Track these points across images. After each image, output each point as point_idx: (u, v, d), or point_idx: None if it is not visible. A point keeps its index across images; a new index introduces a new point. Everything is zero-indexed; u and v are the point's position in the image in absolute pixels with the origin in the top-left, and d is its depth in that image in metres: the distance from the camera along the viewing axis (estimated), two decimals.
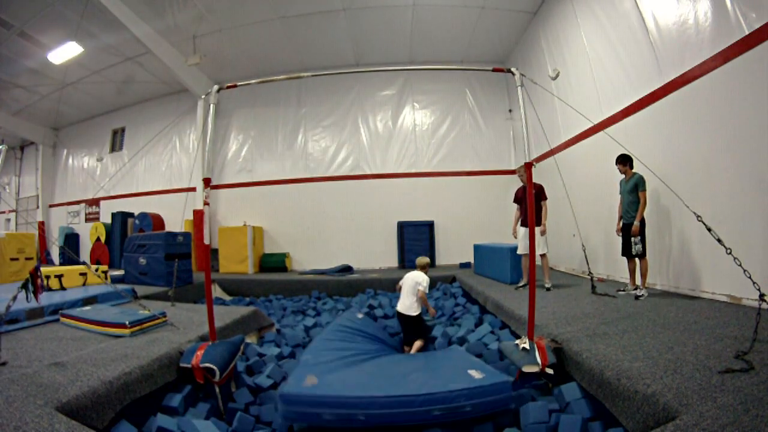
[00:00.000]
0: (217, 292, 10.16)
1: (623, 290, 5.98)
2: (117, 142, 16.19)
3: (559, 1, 8.96)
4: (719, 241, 3.23)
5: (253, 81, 4.98)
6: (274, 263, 12.48)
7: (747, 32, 4.51)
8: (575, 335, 3.79)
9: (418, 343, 5.41)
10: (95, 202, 16.08)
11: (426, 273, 5.75)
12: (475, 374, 3.27)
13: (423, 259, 5.95)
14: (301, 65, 12.71)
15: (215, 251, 12.35)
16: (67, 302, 5.72)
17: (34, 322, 5.01)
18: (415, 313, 5.48)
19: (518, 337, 4.37)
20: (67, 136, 17.34)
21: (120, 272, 9.51)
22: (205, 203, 4.10)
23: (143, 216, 13.73)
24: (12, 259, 8.91)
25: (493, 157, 13.00)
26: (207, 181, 4.13)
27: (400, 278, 5.84)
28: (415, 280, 5.58)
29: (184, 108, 14.02)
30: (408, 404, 2.95)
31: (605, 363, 3.02)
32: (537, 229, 6.47)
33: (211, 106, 4.41)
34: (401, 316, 5.60)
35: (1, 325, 3.65)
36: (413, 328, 5.54)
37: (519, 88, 4.19)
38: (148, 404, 3.37)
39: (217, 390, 3.61)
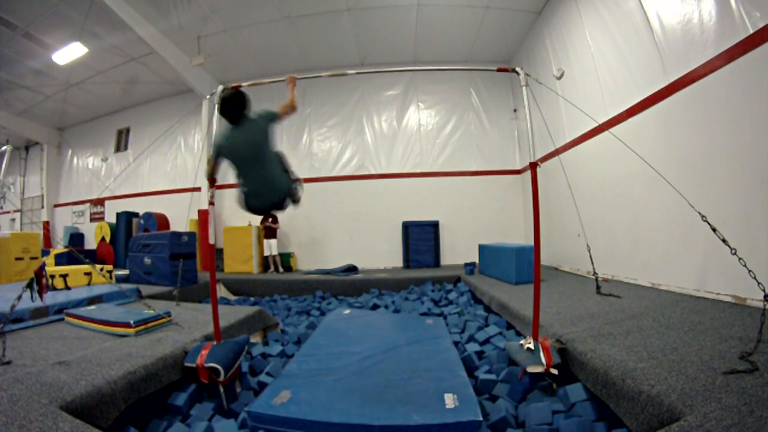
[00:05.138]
0: (221, 291, 10.18)
1: None
2: (122, 142, 16.26)
3: (563, 1, 8.94)
4: (724, 241, 3.22)
5: (258, 81, 4.99)
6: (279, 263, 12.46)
7: (751, 31, 4.48)
8: (580, 335, 3.78)
9: None
10: (100, 201, 16.15)
11: None
12: (449, 401, 3.23)
13: None
14: (305, 65, 12.71)
15: (220, 251, 12.37)
16: (72, 301, 5.75)
17: (39, 322, 5.04)
18: None
19: (523, 337, 4.37)
20: (72, 136, 17.42)
21: (125, 272, 9.54)
22: (210, 203, 4.12)
23: (148, 216, 13.78)
24: (17, 259, 8.94)
25: (497, 157, 13.00)
26: (212, 181, 4.14)
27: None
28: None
29: (189, 108, 14.06)
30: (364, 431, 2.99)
31: (610, 363, 3.01)
32: None
33: (216, 106, 4.42)
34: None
35: (5, 324, 3.67)
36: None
37: (524, 87, 4.19)
38: (153, 404, 3.38)
39: (222, 390, 3.61)
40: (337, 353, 4.68)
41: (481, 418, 2.98)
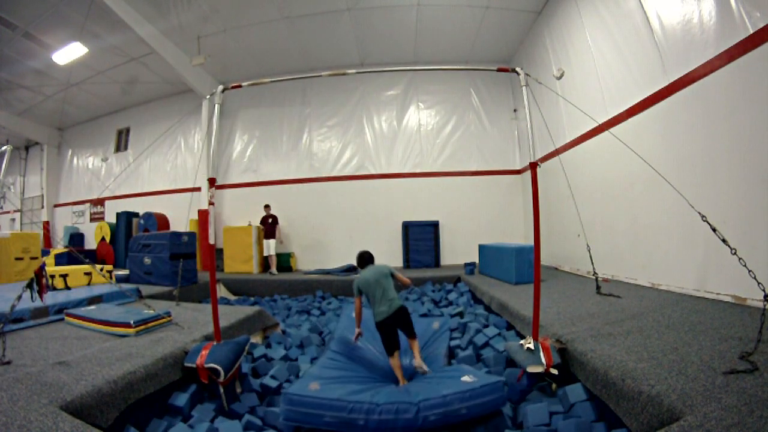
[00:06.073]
0: (221, 291, 10.19)
1: None
2: (122, 142, 16.26)
3: (563, 1, 8.93)
4: (724, 241, 3.22)
5: (258, 81, 4.99)
6: (278, 263, 12.47)
7: (751, 31, 4.49)
8: (580, 335, 3.78)
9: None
10: (100, 201, 16.14)
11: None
12: (468, 379, 3.28)
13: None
14: (305, 65, 12.72)
15: (220, 251, 12.37)
16: (72, 301, 5.76)
17: (39, 322, 5.04)
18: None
19: (523, 337, 4.37)
20: (72, 136, 17.43)
21: (125, 272, 9.54)
22: (210, 203, 4.11)
23: (148, 216, 13.77)
24: (17, 259, 8.94)
25: (497, 157, 13.00)
26: (212, 181, 4.14)
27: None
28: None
29: (189, 108, 14.04)
30: (405, 410, 2.99)
31: (610, 363, 3.01)
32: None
33: (216, 106, 4.42)
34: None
35: (6, 324, 3.67)
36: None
37: (524, 87, 4.19)
38: (153, 404, 3.38)
39: (222, 390, 3.61)
40: (356, 365, 4.59)
41: (504, 379, 3.01)
